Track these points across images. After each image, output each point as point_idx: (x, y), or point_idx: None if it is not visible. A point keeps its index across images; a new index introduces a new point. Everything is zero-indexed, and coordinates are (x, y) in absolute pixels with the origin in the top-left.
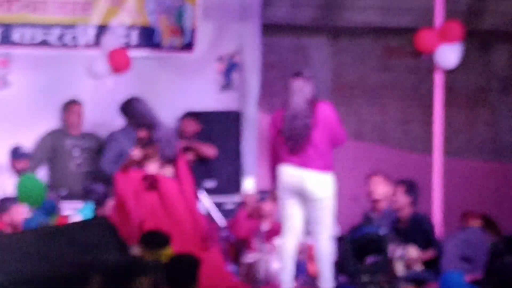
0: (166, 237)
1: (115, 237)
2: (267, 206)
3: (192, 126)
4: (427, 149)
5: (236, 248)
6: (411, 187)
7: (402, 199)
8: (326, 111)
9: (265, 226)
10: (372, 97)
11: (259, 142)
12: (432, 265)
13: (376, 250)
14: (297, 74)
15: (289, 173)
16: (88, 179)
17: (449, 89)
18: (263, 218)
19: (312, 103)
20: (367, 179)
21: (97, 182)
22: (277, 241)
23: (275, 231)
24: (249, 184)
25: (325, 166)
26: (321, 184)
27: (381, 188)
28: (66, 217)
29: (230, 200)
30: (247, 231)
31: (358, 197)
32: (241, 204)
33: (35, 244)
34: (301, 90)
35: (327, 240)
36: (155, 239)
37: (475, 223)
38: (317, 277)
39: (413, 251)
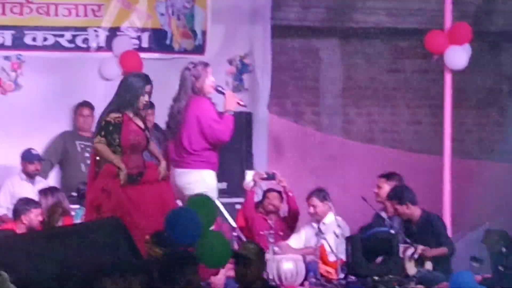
0: None
1: (126, 238)
2: (275, 200)
3: None
4: (438, 150)
5: None
6: (401, 195)
7: (402, 210)
8: (197, 108)
9: (273, 221)
10: (383, 98)
11: (270, 143)
12: (443, 264)
13: (386, 250)
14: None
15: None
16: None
17: (459, 90)
18: (270, 213)
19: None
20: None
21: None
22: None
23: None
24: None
25: (196, 164)
26: (190, 182)
27: (384, 190)
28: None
29: (241, 201)
30: (256, 226)
31: (370, 198)
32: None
33: (46, 245)
34: (182, 84)
35: None
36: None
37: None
38: (328, 277)
39: (423, 251)
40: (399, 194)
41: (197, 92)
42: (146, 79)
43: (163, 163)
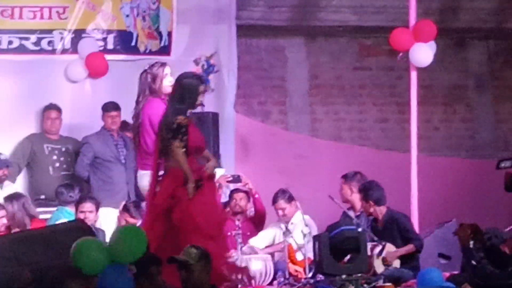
0: None
1: None
2: (241, 201)
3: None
4: (405, 147)
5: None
6: (366, 193)
7: (365, 206)
8: (150, 108)
9: (240, 221)
10: (349, 96)
11: (237, 143)
12: (411, 261)
13: (354, 248)
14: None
15: None
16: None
17: (425, 87)
18: (237, 214)
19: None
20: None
21: (68, 186)
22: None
23: (251, 228)
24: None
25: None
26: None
27: (344, 191)
28: (44, 221)
29: None
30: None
31: (338, 196)
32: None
33: (12, 248)
34: (140, 85)
35: None
36: None
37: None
38: (297, 276)
39: (391, 249)
40: (365, 191)
41: (155, 93)
42: (201, 79)
43: (212, 162)
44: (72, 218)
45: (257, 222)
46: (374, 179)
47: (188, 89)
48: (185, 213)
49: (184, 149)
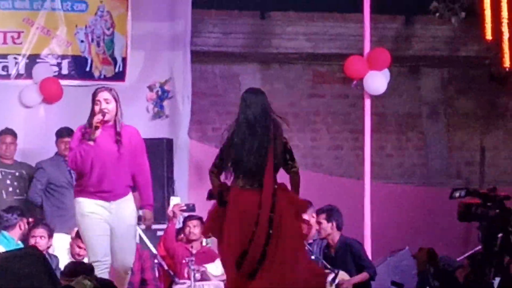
0: (87, 266)
1: (46, 268)
2: (195, 229)
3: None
4: (358, 174)
5: (169, 275)
6: (331, 213)
7: (325, 226)
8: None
9: (195, 249)
10: (303, 123)
11: (191, 169)
12: None
13: None
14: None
15: None
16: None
17: (379, 115)
18: (192, 241)
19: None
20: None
21: (11, 209)
22: (209, 267)
23: (206, 255)
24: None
25: (75, 193)
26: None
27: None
28: None
29: (161, 227)
30: (178, 255)
31: None
32: (169, 218)
33: None
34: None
35: None
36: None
37: (424, 257)
38: None
39: (344, 276)
40: (331, 212)
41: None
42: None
43: None
44: (11, 242)
45: (212, 249)
46: None
47: (264, 106)
48: None
49: None
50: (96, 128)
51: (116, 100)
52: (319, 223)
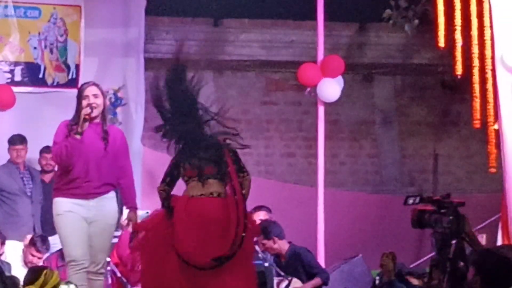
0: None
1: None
2: None
3: (51, 160)
4: (311, 181)
5: (122, 282)
6: (266, 231)
7: (269, 245)
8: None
9: None
10: (256, 130)
11: (144, 176)
12: None
13: (261, 284)
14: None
15: None
16: None
17: (333, 122)
18: None
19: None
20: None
21: None
22: None
23: None
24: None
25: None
26: None
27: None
28: None
29: (115, 235)
30: (131, 262)
31: None
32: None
33: None
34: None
35: None
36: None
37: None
38: None
39: (297, 284)
40: (266, 229)
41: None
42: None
43: None
44: None
45: None
46: (280, 213)
47: None
48: None
49: None
50: (85, 120)
51: (104, 96)
52: (262, 244)
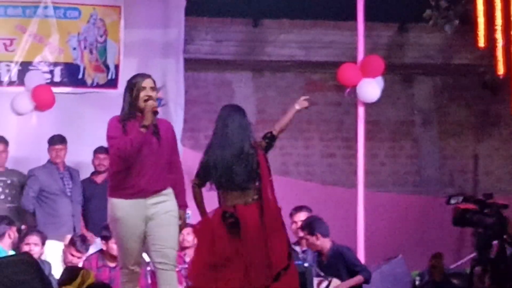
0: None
1: (39, 274)
2: (188, 236)
3: (104, 161)
4: (351, 182)
5: None
6: (311, 226)
7: (312, 241)
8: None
9: (188, 256)
10: (296, 131)
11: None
12: None
13: (301, 284)
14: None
15: None
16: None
17: (373, 123)
18: (185, 249)
19: None
20: (291, 214)
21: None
22: None
23: None
24: None
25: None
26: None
27: (295, 224)
28: None
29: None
30: None
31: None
32: None
33: None
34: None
35: None
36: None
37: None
38: None
39: (337, 284)
40: (310, 225)
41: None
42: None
43: None
44: (1, 253)
45: None
46: (320, 215)
47: None
48: None
49: None
50: (155, 113)
51: (157, 90)
52: (305, 239)
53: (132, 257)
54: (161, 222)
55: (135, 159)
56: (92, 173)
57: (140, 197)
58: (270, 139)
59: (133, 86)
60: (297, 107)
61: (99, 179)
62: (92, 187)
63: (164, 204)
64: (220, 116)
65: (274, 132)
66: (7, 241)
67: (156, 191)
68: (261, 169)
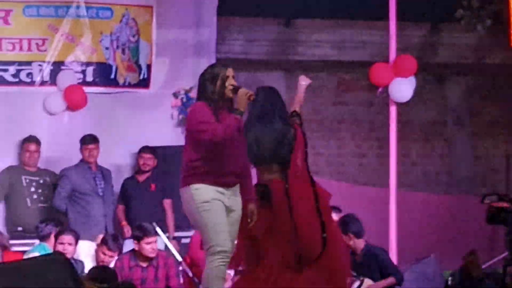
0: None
1: (72, 273)
2: None
3: (149, 161)
4: (383, 182)
5: (194, 282)
6: (344, 225)
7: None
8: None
9: None
10: (328, 131)
11: None
12: None
13: None
14: None
15: None
16: (43, 216)
17: (404, 122)
18: None
19: None
20: None
21: (46, 220)
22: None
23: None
24: None
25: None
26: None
27: None
28: (21, 253)
29: (186, 235)
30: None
31: None
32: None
33: None
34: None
35: None
36: (101, 274)
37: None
38: None
39: (369, 284)
40: (344, 224)
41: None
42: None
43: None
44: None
45: None
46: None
47: None
48: None
49: None
50: (250, 99)
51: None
52: None
53: (228, 241)
54: (234, 221)
55: (225, 145)
56: (136, 172)
57: (223, 186)
58: (298, 116)
59: (216, 76)
60: (302, 82)
61: (141, 178)
62: (133, 185)
63: (237, 198)
64: (257, 96)
65: (298, 110)
66: (52, 242)
67: (235, 183)
68: (296, 143)
